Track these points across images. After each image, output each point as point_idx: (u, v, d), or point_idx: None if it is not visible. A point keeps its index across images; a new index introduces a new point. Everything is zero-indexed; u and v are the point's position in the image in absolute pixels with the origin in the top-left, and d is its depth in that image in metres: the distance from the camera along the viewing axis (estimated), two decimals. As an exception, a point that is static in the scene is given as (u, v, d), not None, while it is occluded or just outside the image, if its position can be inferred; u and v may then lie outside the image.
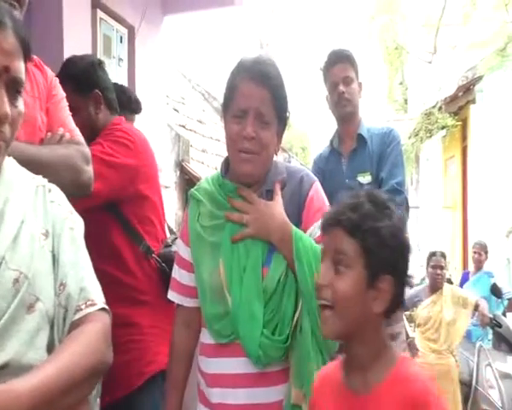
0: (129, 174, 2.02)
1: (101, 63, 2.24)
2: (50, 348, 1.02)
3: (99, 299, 1.08)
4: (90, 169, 1.57)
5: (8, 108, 1.00)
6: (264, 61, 1.52)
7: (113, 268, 2.00)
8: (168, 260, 2.01)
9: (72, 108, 1.70)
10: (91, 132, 2.02)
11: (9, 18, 1.03)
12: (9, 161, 1.12)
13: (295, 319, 1.48)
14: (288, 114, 1.57)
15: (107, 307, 1.09)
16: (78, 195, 1.53)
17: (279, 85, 1.51)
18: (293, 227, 1.49)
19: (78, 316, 1.04)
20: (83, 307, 1.05)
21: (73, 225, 1.13)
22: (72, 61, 2.16)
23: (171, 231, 2.35)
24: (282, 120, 1.55)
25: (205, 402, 1.56)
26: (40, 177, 1.15)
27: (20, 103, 1.06)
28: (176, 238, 2.11)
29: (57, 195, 1.15)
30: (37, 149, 1.43)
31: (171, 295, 1.66)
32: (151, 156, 2.18)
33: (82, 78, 2.09)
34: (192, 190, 1.63)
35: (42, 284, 1.02)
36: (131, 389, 2.00)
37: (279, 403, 1.49)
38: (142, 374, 1.99)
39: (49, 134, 1.53)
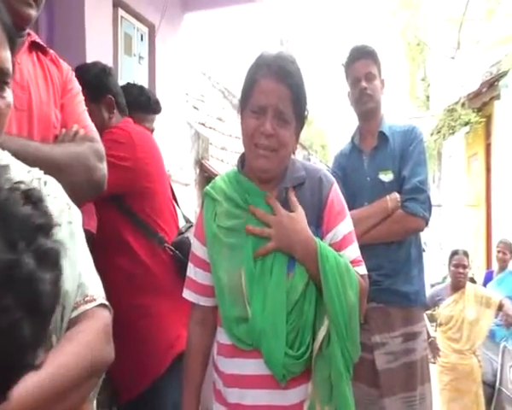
0: (126, 173, 2.06)
1: (111, 69, 2.32)
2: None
3: (98, 295, 1.04)
4: (103, 166, 1.57)
5: None
6: (286, 58, 1.50)
7: (128, 262, 2.08)
8: (182, 247, 2.09)
9: None
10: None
11: None
12: (3, 155, 1.08)
13: (321, 335, 1.46)
14: (306, 113, 1.55)
15: (107, 302, 1.05)
16: (91, 193, 1.55)
17: (299, 84, 1.49)
18: (318, 243, 1.47)
19: (76, 313, 0.99)
20: (81, 303, 1.00)
21: (71, 218, 1.08)
22: (84, 68, 2.19)
23: (186, 220, 2.38)
24: (300, 119, 1.53)
25: (221, 401, 1.56)
26: (36, 169, 1.10)
27: (8, 94, 1.01)
28: (191, 226, 2.15)
29: (53, 188, 1.10)
30: (50, 149, 1.43)
31: (187, 294, 1.65)
32: (151, 150, 2.21)
33: (95, 84, 2.14)
34: (207, 188, 1.60)
35: None
36: (155, 378, 2.05)
37: (298, 405, 1.48)
38: (163, 362, 2.04)
39: (64, 131, 1.53)
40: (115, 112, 2.23)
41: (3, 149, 1.21)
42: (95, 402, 1.14)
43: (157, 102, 2.86)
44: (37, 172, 1.10)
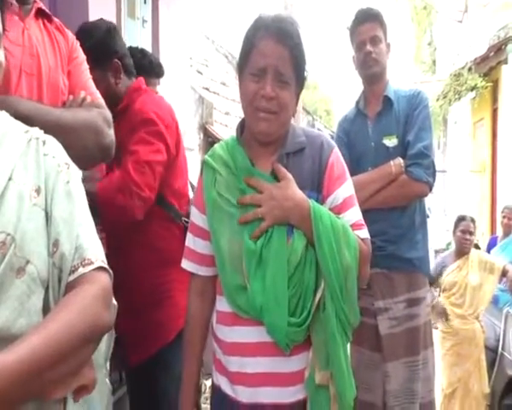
0: (165, 164, 2.05)
1: (115, 28, 2.17)
2: (46, 312, 0.96)
3: (97, 258, 1.00)
4: (111, 132, 1.57)
5: None
6: (284, 19, 1.46)
7: (146, 236, 2.07)
8: None
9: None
10: (112, 102, 1.98)
11: None
12: (1, 115, 1.05)
13: (317, 297, 1.44)
14: (306, 74, 1.52)
15: (106, 265, 1.01)
16: (100, 157, 1.56)
17: (298, 44, 1.45)
18: (311, 204, 1.44)
19: (73, 277, 0.97)
20: (78, 267, 0.97)
21: (69, 178, 1.04)
22: (87, 30, 2.07)
23: (192, 186, 2.37)
24: (300, 81, 1.49)
25: (221, 370, 1.55)
26: (35, 129, 1.08)
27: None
28: None
29: (52, 147, 1.06)
30: (61, 112, 1.43)
31: (186, 264, 1.63)
32: (175, 124, 2.15)
33: (100, 49, 2.03)
34: (206, 156, 1.57)
35: (32, 246, 0.95)
36: (164, 344, 2.08)
37: (300, 372, 1.48)
38: (173, 329, 2.06)
39: (71, 97, 1.53)
40: (122, 76, 2.13)
41: (15, 110, 1.20)
42: (108, 364, 1.15)
43: (160, 66, 2.82)
44: (35, 132, 1.07)
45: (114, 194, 1.91)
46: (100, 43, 2.05)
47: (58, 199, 1.01)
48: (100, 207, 1.83)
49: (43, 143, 1.05)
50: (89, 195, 1.89)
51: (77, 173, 1.08)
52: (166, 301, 2.10)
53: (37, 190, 0.99)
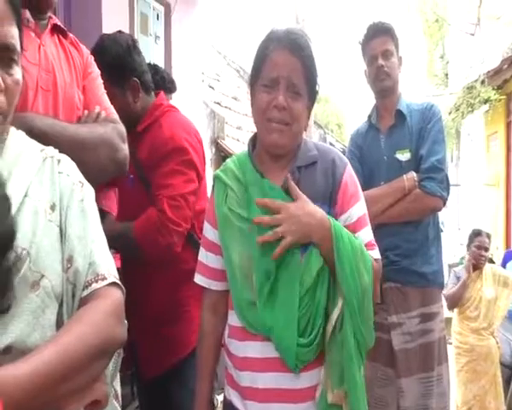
0: (196, 191, 2.07)
1: (135, 43, 2.13)
2: (60, 327, 0.97)
3: (110, 273, 1.02)
4: (125, 147, 1.58)
5: None
6: (296, 32, 1.48)
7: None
8: None
9: (108, 97, 1.67)
10: (131, 120, 1.99)
11: None
12: (17, 134, 1.08)
13: (334, 318, 1.43)
14: (318, 87, 1.52)
15: (118, 281, 1.03)
16: (114, 172, 1.57)
17: (310, 57, 1.46)
18: (331, 222, 1.43)
19: (86, 292, 0.98)
20: (92, 282, 0.99)
21: (83, 196, 1.07)
22: (105, 46, 2.04)
23: None
24: (312, 94, 1.50)
25: (233, 385, 1.55)
26: (50, 148, 1.10)
27: (17, 72, 0.99)
28: None
29: (67, 165, 1.09)
30: (76, 128, 1.44)
31: (198, 279, 1.63)
32: (202, 147, 2.16)
33: (118, 67, 2.01)
34: (217, 171, 1.57)
35: (47, 260, 0.96)
36: (180, 359, 2.07)
37: (310, 389, 1.46)
38: (189, 344, 2.04)
39: (86, 112, 1.54)
40: (141, 94, 2.09)
41: (32, 127, 1.23)
42: (118, 377, 1.14)
43: (172, 82, 2.83)
44: (50, 151, 1.09)
45: (154, 236, 1.94)
46: (118, 62, 2.02)
47: (72, 216, 1.03)
48: (140, 248, 1.92)
49: (58, 161, 1.08)
50: (128, 239, 1.92)
51: (90, 191, 1.10)
52: (182, 317, 2.09)
53: (52, 207, 1.01)
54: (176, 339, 2.08)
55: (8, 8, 0.96)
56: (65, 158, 1.10)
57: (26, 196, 0.98)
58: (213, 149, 6.56)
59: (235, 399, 1.53)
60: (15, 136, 1.07)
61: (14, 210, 0.94)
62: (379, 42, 2.47)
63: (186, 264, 2.04)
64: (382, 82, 2.49)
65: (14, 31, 0.98)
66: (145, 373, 2.13)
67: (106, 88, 1.69)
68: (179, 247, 1.99)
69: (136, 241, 1.94)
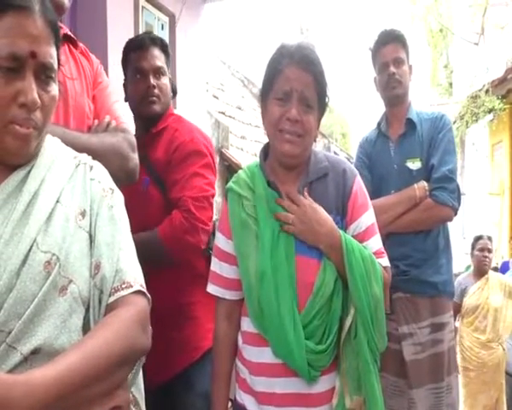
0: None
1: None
2: (86, 332, 0.99)
3: (136, 281, 1.04)
4: (135, 156, 1.61)
5: (35, 94, 0.97)
6: (307, 47, 1.52)
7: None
8: None
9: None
10: (162, 111, 2.16)
11: (37, 1, 0.99)
12: (52, 141, 1.11)
13: (347, 325, 1.47)
14: (327, 100, 1.57)
15: (144, 289, 1.04)
16: (124, 180, 1.58)
17: (321, 71, 1.52)
18: (342, 235, 1.48)
19: (113, 299, 1.00)
20: (118, 289, 1.01)
21: (113, 202, 1.09)
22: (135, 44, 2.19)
23: None
24: (322, 106, 1.54)
25: (246, 389, 1.57)
26: (84, 155, 1.13)
27: (53, 88, 1.03)
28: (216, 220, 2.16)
29: (98, 172, 1.12)
30: (87, 138, 1.45)
31: (212, 289, 1.65)
32: (213, 150, 2.22)
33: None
34: (230, 183, 1.60)
35: (76, 266, 0.99)
36: (189, 363, 2.08)
37: (327, 392, 1.49)
38: (198, 349, 2.07)
39: (96, 122, 1.56)
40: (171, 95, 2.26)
41: None
42: (141, 384, 1.14)
43: (174, 91, 2.85)
44: (83, 158, 1.12)
45: (184, 238, 1.99)
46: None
47: (102, 223, 1.05)
48: (169, 252, 1.97)
49: (91, 168, 1.11)
50: (153, 245, 1.96)
51: (120, 198, 1.12)
52: (190, 322, 2.10)
53: (83, 213, 1.04)
54: (183, 344, 2.09)
55: (48, 29, 1.00)
56: (97, 165, 1.13)
57: (57, 201, 1.01)
58: (217, 159, 6.55)
59: (250, 403, 1.56)
60: (50, 142, 1.10)
61: (45, 216, 0.97)
62: (390, 49, 2.45)
63: (194, 269, 2.09)
64: (393, 90, 2.47)
65: (53, 50, 1.02)
66: (152, 378, 2.11)
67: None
68: (204, 244, 2.06)
69: (164, 246, 1.98)
